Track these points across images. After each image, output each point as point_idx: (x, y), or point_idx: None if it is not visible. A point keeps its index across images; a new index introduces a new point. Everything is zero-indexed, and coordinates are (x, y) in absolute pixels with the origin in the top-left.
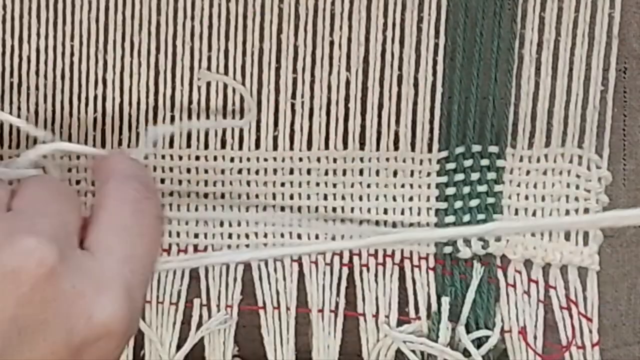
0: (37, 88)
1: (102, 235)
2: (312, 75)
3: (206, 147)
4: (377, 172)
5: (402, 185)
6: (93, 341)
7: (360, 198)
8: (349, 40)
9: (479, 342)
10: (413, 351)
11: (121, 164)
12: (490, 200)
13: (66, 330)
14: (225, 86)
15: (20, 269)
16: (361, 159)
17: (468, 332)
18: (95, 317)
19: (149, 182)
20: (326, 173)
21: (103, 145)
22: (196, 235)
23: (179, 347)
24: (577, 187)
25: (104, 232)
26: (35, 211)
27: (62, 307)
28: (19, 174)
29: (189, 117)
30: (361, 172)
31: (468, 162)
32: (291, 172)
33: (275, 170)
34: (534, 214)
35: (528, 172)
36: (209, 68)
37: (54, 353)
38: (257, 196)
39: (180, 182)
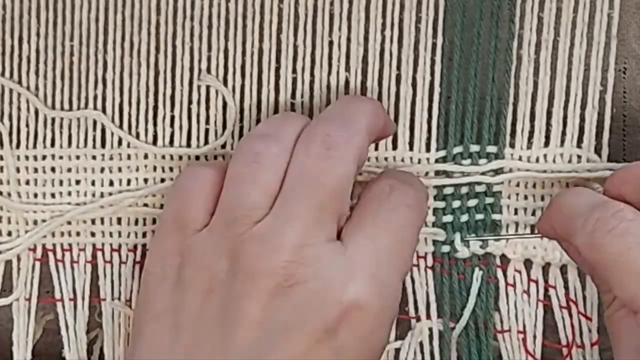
0: (37, 88)
1: (354, 230)
2: (312, 75)
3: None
4: (376, 173)
5: None
6: (344, 316)
7: (359, 197)
8: (348, 40)
9: (478, 346)
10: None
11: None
12: (489, 200)
13: (320, 318)
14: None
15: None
16: None
17: (468, 334)
18: (344, 300)
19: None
20: None
21: (103, 145)
22: None
23: None
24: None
25: (357, 228)
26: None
27: (314, 302)
28: None
29: (189, 117)
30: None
31: (466, 162)
32: None
33: None
34: (533, 214)
35: (527, 172)
36: (208, 68)
37: (309, 336)
38: None
39: None
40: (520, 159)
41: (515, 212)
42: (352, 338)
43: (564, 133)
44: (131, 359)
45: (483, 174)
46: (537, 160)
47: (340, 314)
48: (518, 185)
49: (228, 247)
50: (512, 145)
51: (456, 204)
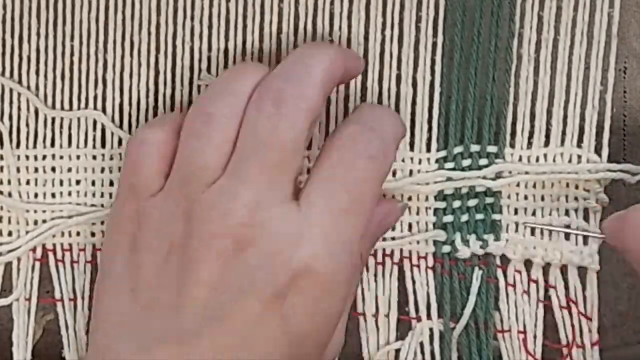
0: (37, 88)
1: (311, 189)
2: None
3: None
4: None
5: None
6: (293, 281)
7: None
8: (348, 40)
9: (478, 346)
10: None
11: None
12: (489, 199)
13: (269, 282)
14: None
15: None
16: None
17: (468, 334)
18: (294, 264)
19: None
20: None
21: (103, 145)
22: None
23: None
24: (577, 187)
25: (313, 186)
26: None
27: (265, 266)
28: None
29: None
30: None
31: (466, 162)
32: None
33: None
34: (533, 214)
35: (527, 172)
36: (208, 68)
37: (260, 300)
38: None
39: None
40: (520, 159)
41: (516, 212)
42: (301, 304)
43: (564, 133)
44: (93, 325)
45: (484, 177)
46: (537, 160)
47: (289, 279)
48: (518, 185)
49: (182, 210)
50: (512, 145)
51: (456, 204)
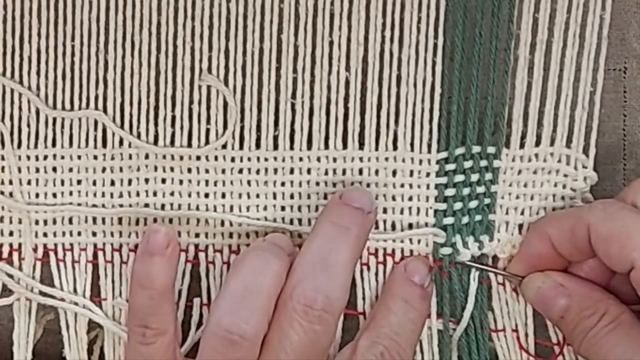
0: (38, 88)
1: None
2: (312, 75)
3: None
4: (377, 172)
5: (402, 185)
6: None
7: None
8: (349, 40)
9: (476, 345)
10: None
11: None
12: (487, 201)
13: None
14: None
15: None
16: (360, 159)
17: (467, 334)
18: None
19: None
20: (326, 173)
21: (104, 145)
22: (197, 235)
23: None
24: (564, 187)
25: None
26: None
27: None
28: None
29: (190, 117)
30: (360, 172)
31: (468, 164)
32: (291, 172)
33: (275, 170)
34: (522, 213)
35: (520, 172)
36: (209, 68)
37: None
38: (257, 196)
39: (180, 182)
40: (513, 159)
41: (507, 212)
42: None
43: (554, 132)
44: None
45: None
46: (529, 159)
47: None
48: (511, 185)
49: None
50: (507, 146)
51: (457, 205)
